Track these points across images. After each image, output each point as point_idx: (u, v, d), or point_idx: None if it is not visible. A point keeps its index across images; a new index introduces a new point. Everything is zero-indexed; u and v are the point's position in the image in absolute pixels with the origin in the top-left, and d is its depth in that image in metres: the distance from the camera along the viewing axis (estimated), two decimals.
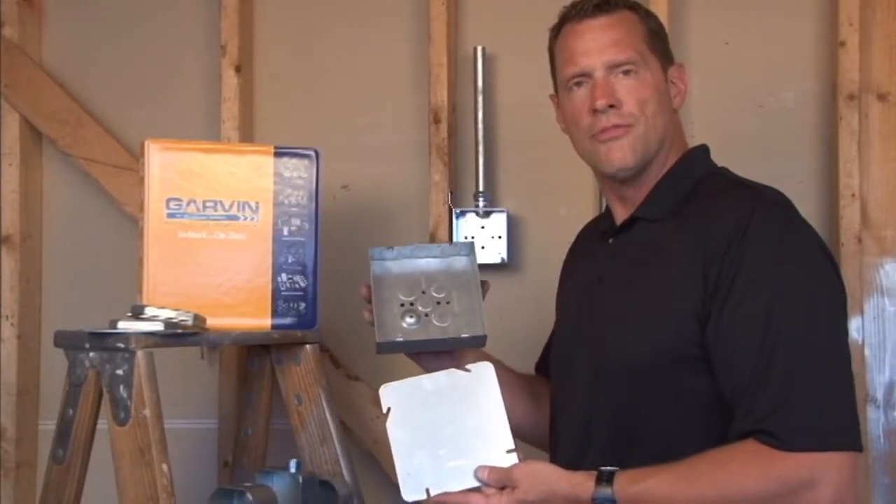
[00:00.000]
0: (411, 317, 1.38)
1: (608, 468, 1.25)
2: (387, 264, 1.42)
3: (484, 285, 1.42)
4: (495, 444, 1.31)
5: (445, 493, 1.30)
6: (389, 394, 1.35)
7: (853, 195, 1.87)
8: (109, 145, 2.10)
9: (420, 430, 1.33)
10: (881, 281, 1.90)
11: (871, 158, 1.90)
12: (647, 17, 1.42)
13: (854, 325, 1.87)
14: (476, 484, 1.30)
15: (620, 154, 1.37)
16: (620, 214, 1.43)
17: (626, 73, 1.36)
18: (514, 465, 1.29)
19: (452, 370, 1.36)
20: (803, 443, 1.18)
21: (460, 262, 1.42)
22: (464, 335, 1.37)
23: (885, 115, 1.91)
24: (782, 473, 1.18)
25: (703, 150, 1.44)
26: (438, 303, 1.39)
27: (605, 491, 1.23)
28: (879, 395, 1.89)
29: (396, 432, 1.33)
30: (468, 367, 1.36)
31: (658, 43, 1.40)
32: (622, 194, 1.42)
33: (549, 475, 1.27)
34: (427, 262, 1.42)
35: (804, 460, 1.18)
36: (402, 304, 1.39)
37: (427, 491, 1.30)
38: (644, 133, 1.36)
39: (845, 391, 1.23)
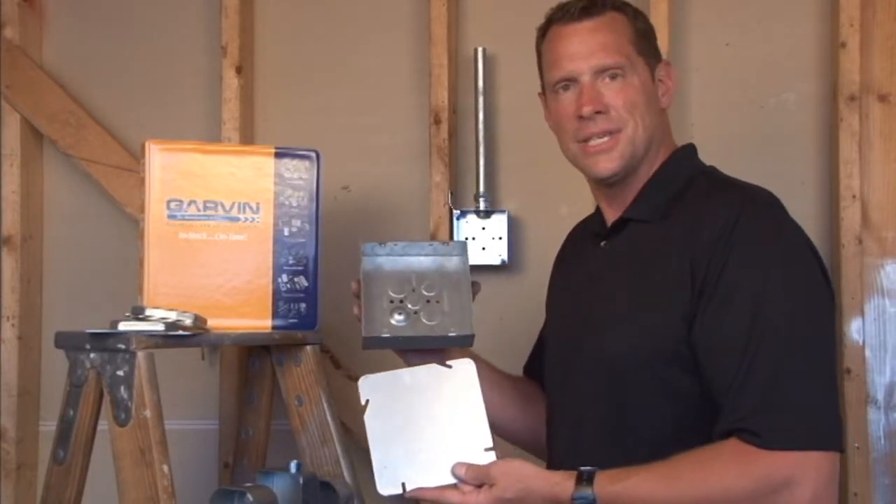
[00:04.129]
0: (400, 313, 1.37)
1: (587, 468, 1.25)
2: (378, 260, 1.41)
3: (474, 286, 1.42)
4: (473, 442, 1.30)
5: (421, 488, 1.29)
6: (368, 385, 1.35)
7: (854, 196, 1.87)
8: (110, 146, 2.10)
9: (398, 423, 1.32)
10: (882, 282, 1.90)
11: (872, 159, 1.90)
12: (636, 16, 1.41)
13: (854, 326, 1.87)
14: (453, 480, 1.29)
15: (608, 163, 1.38)
16: (610, 215, 1.44)
17: (614, 77, 1.36)
18: (492, 463, 1.28)
19: (433, 365, 1.36)
20: (784, 442, 1.18)
21: (452, 262, 1.42)
22: (451, 333, 1.36)
23: (885, 115, 1.91)
24: (763, 472, 1.18)
25: (690, 149, 1.44)
26: (428, 301, 1.38)
27: (586, 491, 1.23)
28: (880, 396, 1.89)
29: (374, 424, 1.32)
30: (449, 363, 1.36)
31: (645, 43, 1.40)
32: (611, 195, 1.43)
33: (527, 474, 1.27)
34: (419, 260, 1.41)
35: (785, 459, 1.18)
36: (392, 301, 1.38)
37: (403, 485, 1.29)
38: (632, 135, 1.36)
39: (828, 392, 1.24)
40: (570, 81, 1.38)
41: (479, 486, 1.28)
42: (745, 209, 1.28)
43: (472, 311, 1.39)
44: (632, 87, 1.36)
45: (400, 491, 1.29)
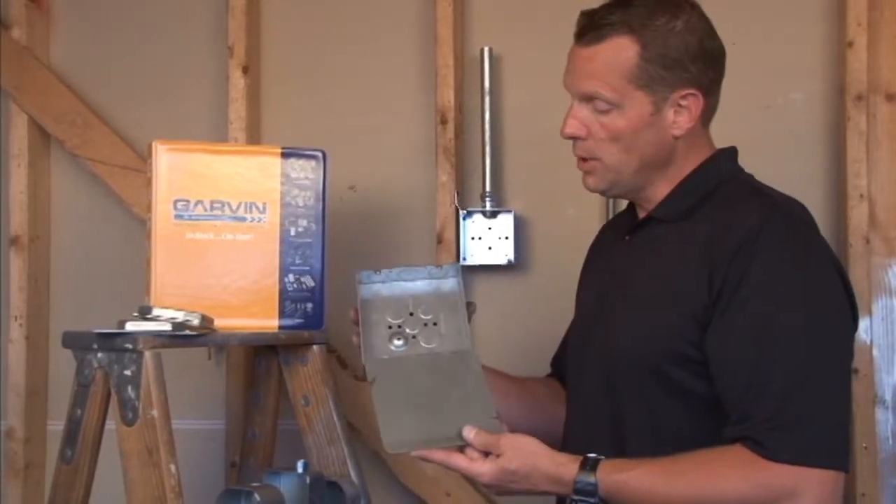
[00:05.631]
0: (399, 339, 1.40)
1: (593, 455, 1.25)
2: (374, 287, 1.44)
3: (470, 307, 1.44)
4: (479, 411, 1.31)
5: (428, 450, 1.28)
6: (375, 365, 1.36)
7: (861, 196, 1.86)
8: (117, 146, 2.11)
9: (404, 396, 1.33)
10: (889, 282, 1.90)
11: (879, 159, 1.90)
12: (653, 42, 1.30)
13: (862, 325, 1.86)
14: (459, 444, 1.29)
15: (592, 182, 1.38)
16: (641, 212, 1.42)
17: (601, 108, 1.33)
18: (503, 434, 1.28)
19: (435, 351, 1.38)
20: (789, 455, 1.18)
21: (447, 284, 1.44)
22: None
23: (893, 115, 1.90)
24: (766, 480, 1.18)
25: (729, 153, 1.41)
26: (426, 324, 1.40)
27: (588, 477, 1.23)
28: (888, 395, 1.88)
29: (380, 397, 1.33)
30: (450, 351, 1.38)
31: (657, 71, 1.31)
32: (636, 197, 1.42)
33: (534, 450, 1.27)
34: (415, 285, 1.44)
35: (788, 471, 1.18)
36: (390, 327, 1.41)
37: (409, 445, 1.29)
38: (613, 164, 1.34)
39: (839, 411, 1.23)
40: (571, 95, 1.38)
41: (486, 455, 1.27)
42: (770, 219, 1.26)
43: (469, 331, 1.41)
44: (619, 121, 1.32)
45: (407, 450, 1.29)
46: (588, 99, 1.34)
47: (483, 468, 1.26)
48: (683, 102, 1.33)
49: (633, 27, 1.31)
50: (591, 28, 1.33)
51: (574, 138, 1.36)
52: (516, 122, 2.03)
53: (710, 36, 1.35)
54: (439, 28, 2.00)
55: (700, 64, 1.33)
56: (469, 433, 1.27)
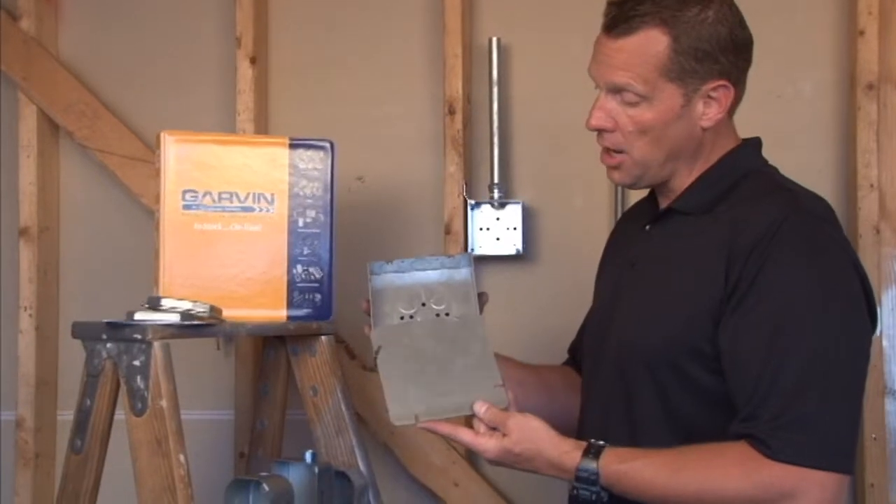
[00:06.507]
0: None
1: (598, 442, 1.26)
2: (387, 278, 1.43)
3: (482, 297, 1.43)
4: (484, 380, 1.31)
5: (435, 422, 1.29)
6: (380, 334, 1.37)
7: (871, 186, 1.86)
8: (126, 137, 2.11)
9: (410, 365, 1.34)
10: None
11: (890, 148, 1.89)
12: (685, 34, 1.28)
13: None
14: (465, 414, 1.29)
15: (618, 176, 1.36)
16: (662, 202, 1.41)
17: (629, 100, 1.30)
18: (512, 414, 1.29)
19: (441, 317, 1.39)
20: (792, 455, 1.18)
21: (460, 274, 1.43)
22: None
23: None
24: (766, 480, 1.18)
25: (753, 143, 1.39)
26: (437, 315, 1.40)
27: (591, 464, 1.24)
28: None
29: (387, 367, 1.33)
30: (455, 317, 1.38)
31: (689, 63, 1.29)
32: (658, 187, 1.40)
33: (541, 435, 1.27)
34: (427, 275, 1.43)
35: (790, 472, 1.18)
36: (402, 318, 1.40)
37: (416, 417, 1.29)
38: (639, 158, 1.33)
39: (847, 414, 1.22)
40: (596, 86, 1.35)
41: (493, 430, 1.28)
42: (790, 216, 1.24)
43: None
44: (648, 113, 1.30)
45: (413, 422, 1.29)
46: (617, 90, 1.31)
47: (488, 445, 1.27)
48: (714, 94, 1.31)
49: (665, 18, 1.29)
50: (621, 19, 1.30)
51: (600, 130, 1.34)
52: (525, 113, 2.02)
53: (741, 26, 1.34)
54: (447, 18, 1.99)
55: (730, 55, 1.32)
56: (480, 408, 1.28)
